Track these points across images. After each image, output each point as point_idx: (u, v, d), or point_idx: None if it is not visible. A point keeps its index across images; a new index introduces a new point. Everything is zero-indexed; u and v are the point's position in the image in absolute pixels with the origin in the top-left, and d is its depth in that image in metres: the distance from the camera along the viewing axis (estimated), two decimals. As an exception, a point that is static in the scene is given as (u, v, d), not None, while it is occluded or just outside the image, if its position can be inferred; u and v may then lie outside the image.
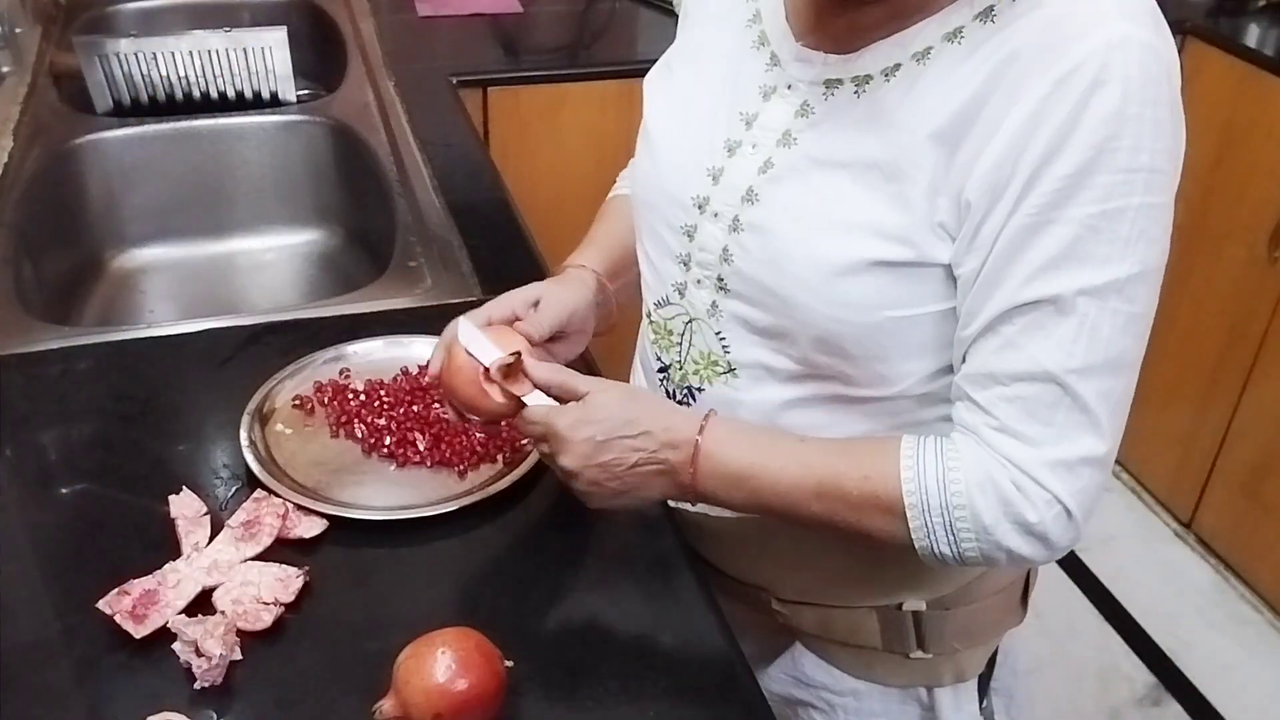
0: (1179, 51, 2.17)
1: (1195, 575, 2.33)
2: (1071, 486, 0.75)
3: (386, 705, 0.74)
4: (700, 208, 0.86)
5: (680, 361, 0.92)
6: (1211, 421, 2.29)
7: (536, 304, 0.94)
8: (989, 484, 0.76)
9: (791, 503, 0.82)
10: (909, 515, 0.78)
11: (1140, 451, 2.51)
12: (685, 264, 0.89)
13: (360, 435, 1.03)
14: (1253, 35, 2.20)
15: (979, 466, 0.76)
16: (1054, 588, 2.27)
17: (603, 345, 1.05)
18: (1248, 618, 2.24)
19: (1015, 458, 0.75)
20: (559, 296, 0.95)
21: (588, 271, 1.00)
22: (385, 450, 1.01)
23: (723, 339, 0.88)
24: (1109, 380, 0.74)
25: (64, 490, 0.98)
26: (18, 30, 1.77)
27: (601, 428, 0.82)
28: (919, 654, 0.97)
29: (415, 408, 1.05)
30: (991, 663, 1.05)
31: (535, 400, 0.85)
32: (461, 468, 1.00)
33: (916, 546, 0.79)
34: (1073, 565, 2.33)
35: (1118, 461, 2.54)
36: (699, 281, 0.88)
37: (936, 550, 0.79)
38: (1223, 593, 2.29)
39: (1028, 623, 1.05)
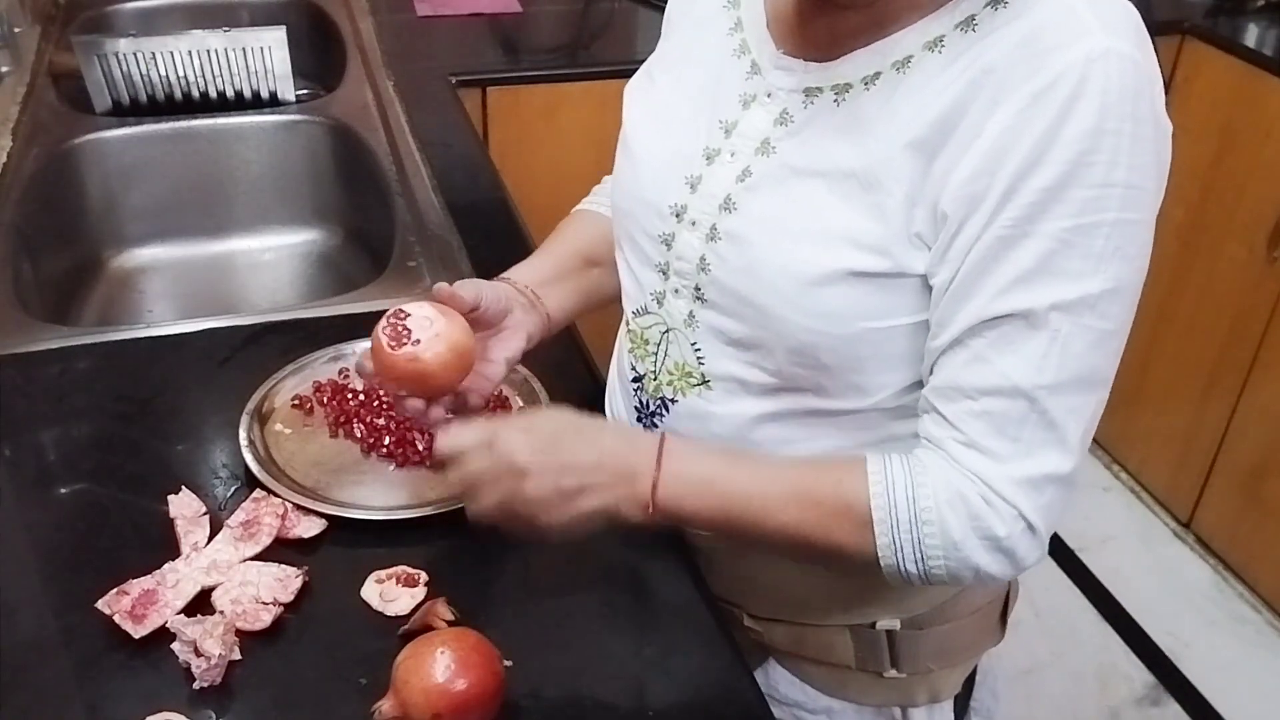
0: (1177, 51, 2.18)
1: (1194, 575, 2.34)
2: (1036, 503, 0.74)
3: (386, 705, 0.74)
4: (678, 216, 0.85)
5: (655, 371, 0.92)
6: (1210, 421, 2.29)
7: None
8: (959, 500, 0.75)
9: (761, 509, 0.80)
10: (876, 531, 0.77)
11: (1139, 451, 2.52)
12: (664, 273, 0.88)
13: (359, 435, 1.03)
14: (1251, 35, 2.20)
15: (948, 483, 0.75)
16: (1053, 588, 2.26)
17: (598, 352, 1.05)
18: (1247, 617, 2.24)
19: (982, 473, 0.74)
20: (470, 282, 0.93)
21: (501, 281, 0.99)
22: (384, 450, 1.01)
23: (698, 350, 0.87)
24: (1079, 397, 0.73)
25: (63, 490, 0.97)
26: (17, 30, 1.77)
27: (562, 423, 0.82)
28: (893, 673, 0.96)
29: (414, 408, 1.05)
30: (970, 683, 1.05)
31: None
32: (461, 468, 1.00)
33: (882, 563, 0.78)
34: (1072, 565, 2.33)
35: (1116, 461, 2.56)
36: (677, 291, 0.87)
37: (902, 568, 0.78)
38: (1222, 592, 2.29)
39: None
